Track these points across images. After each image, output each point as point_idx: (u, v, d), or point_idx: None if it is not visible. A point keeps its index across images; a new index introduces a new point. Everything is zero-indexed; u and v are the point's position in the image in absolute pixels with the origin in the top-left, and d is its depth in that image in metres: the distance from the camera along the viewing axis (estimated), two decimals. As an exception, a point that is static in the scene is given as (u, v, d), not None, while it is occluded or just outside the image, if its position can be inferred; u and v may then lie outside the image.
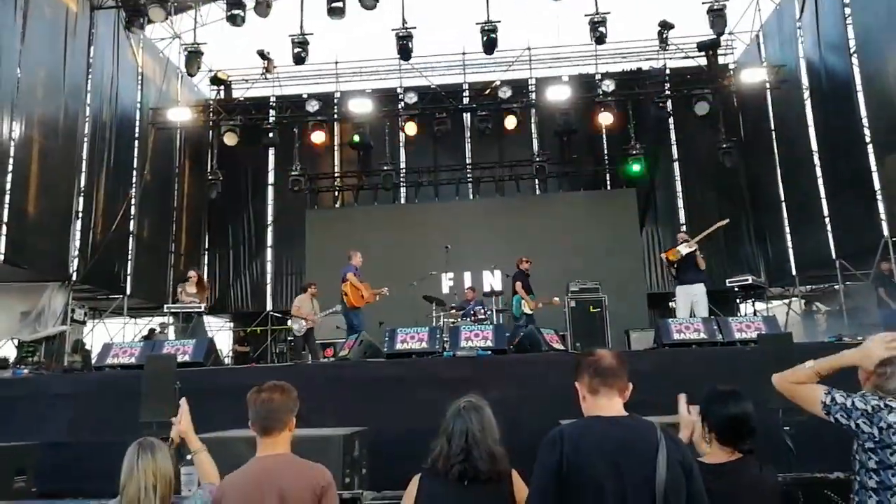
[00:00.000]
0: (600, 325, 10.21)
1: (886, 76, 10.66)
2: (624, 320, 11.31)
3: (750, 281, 9.85)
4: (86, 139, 12.58)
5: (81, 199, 12.35)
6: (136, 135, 14.52)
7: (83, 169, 12.50)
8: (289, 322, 10.65)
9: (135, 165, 14.35)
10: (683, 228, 14.55)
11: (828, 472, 3.32)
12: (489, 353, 7.00)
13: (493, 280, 13.16)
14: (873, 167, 11.19)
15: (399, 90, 15.37)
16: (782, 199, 14.62)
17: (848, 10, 11.79)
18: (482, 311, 10.36)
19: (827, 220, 12.76)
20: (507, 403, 5.68)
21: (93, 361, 8.64)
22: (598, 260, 13.08)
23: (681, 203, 16.21)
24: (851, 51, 11.67)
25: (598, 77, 14.65)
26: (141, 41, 14.61)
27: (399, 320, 8.89)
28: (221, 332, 16.85)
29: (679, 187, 16.33)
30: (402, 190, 16.68)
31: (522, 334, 8.38)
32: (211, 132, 15.92)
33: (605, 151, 16.27)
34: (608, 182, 16.16)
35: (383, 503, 3.07)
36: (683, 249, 8.97)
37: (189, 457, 2.88)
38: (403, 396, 6.19)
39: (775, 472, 2.63)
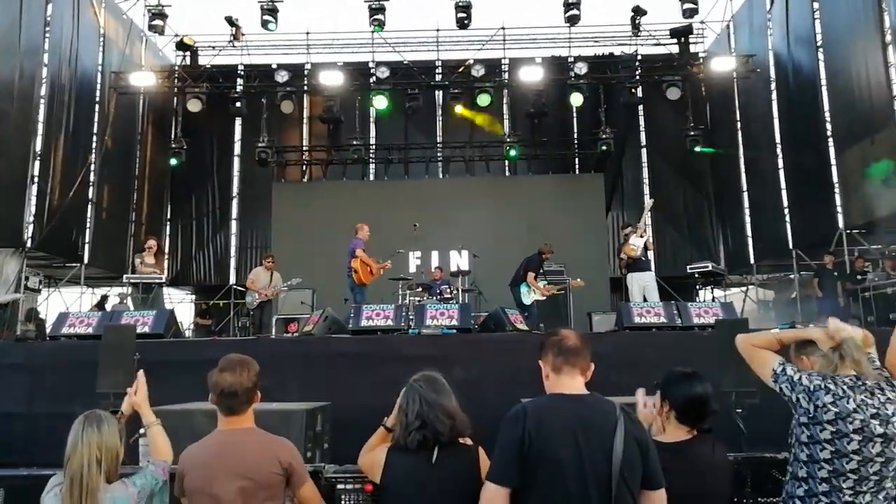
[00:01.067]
0: (564, 308, 10.38)
1: (850, 72, 10.92)
2: (587, 303, 11.49)
3: (710, 268, 10.10)
4: (42, 101, 12.07)
5: (37, 164, 11.88)
6: (97, 99, 14.02)
7: (39, 132, 11.99)
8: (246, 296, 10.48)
9: (95, 131, 13.85)
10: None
11: (776, 453, 3.44)
12: (454, 331, 7.04)
13: (460, 260, 13.20)
14: (833, 161, 11.51)
15: (371, 64, 15.14)
16: (744, 188, 14.95)
17: (816, 5, 12.01)
18: (448, 290, 10.40)
19: (786, 210, 13.11)
20: (471, 381, 5.74)
21: (47, 331, 8.42)
22: (564, 243, 13.14)
23: (647, 189, 16.44)
24: (818, 45, 11.91)
25: (570, 60, 14.66)
26: (103, 1, 14.05)
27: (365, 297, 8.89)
28: (182, 305, 16.55)
29: (646, 173, 16.55)
30: (372, 166, 16.52)
31: (487, 314, 8.47)
32: (175, 99, 15.48)
33: (576, 135, 16.36)
34: (577, 166, 16.28)
35: (345, 476, 3.07)
36: (638, 242, 9.05)
37: (142, 430, 2.81)
38: (368, 372, 6.19)
39: (726, 450, 2.72)
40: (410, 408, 2.40)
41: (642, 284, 8.94)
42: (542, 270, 9.71)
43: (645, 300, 8.56)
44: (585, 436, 2.10)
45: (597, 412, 2.17)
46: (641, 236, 9.06)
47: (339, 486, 3.01)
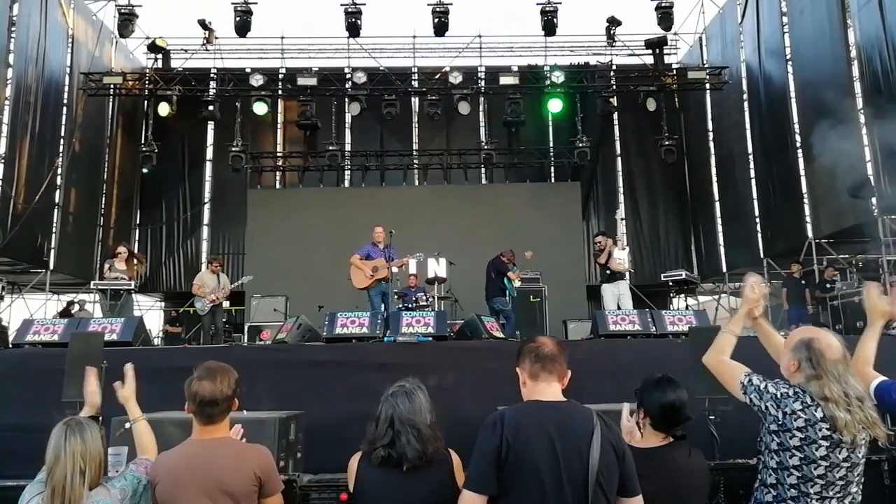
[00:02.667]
0: (540, 315, 10.40)
1: (817, 84, 11.18)
2: (563, 311, 11.53)
3: (683, 276, 10.22)
4: (7, 103, 11.75)
5: (2, 166, 11.57)
6: (65, 101, 13.72)
7: (4, 133, 11.69)
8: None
9: (62, 133, 13.56)
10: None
11: (748, 459, 3.46)
12: (430, 339, 6.99)
13: (437, 267, 13.13)
14: (802, 171, 11.76)
15: (347, 70, 15.07)
16: (717, 197, 15.20)
17: (786, 19, 12.29)
18: (424, 297, 10.34)
19: (757, 220, 13.35)
20: (447, 389, 5.70)
21: (10, 338, 8.15)
22: (540, 251, 13.20)
23: (621, 198, 16.62)
24: (787, 58, 12.18)
25: (546, 69, 14.78)
26: (72, 1, 13.78)
27: (339, 305, 8.77)
28: (151, 312, 16.23)
29: (620, 182, 16.73)
30: (348, 173, 16.43)
31: (464, 322, 8.43)
32: (146, 102, 15.23)
33: (552, 144, 16.49)
34: (553, 174, 16.38)
35: (319, 485, 3.01)
36: (622, 255, 9.27)
37: (127, 425, 2.73)
38: (342, 381, 6.11)
39: (703, 456, 2.73)
40: (381, 424, 2.35)
41: (617, 293, 9.04)
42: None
43: (619, 308, 8.63)
44: (562, 443, 2.09)
45: (574, 419, 2.17)
46: (623, 248, 9.29)
47: (314, 496, 2.96)
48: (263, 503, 2.44)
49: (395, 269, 9.10)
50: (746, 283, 2.76)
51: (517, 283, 9.74)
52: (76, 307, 12.44)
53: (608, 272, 9.26)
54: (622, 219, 9.80)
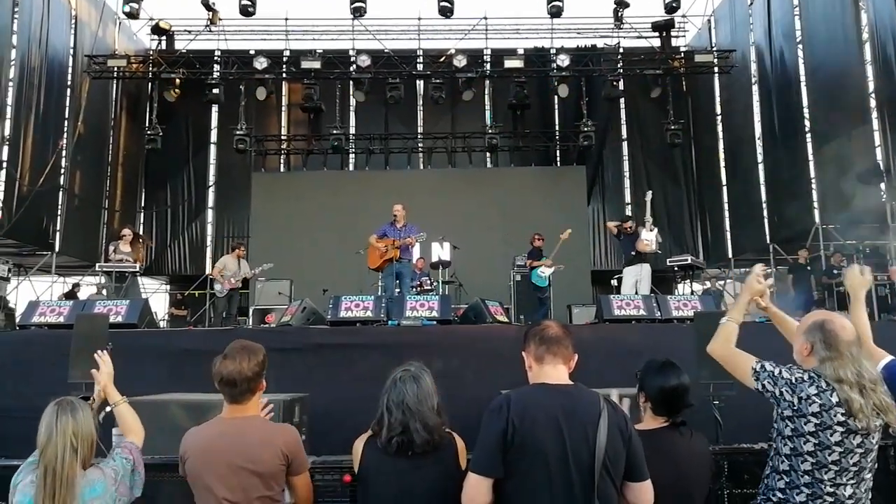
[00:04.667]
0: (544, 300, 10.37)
1: (829, 69, 11.03)
2: (567, 295, 11.52)
3: (689, 261, 10.15)
4: (11, 84, 11.73)
5: (6, 149, 11.57)
6: (69, 83, 13.68)
7: (8, 116, 11.68)
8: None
9: (66, 115, 13.53)
10: (629, 213, 14.83)
11: (752, 444, 3.45)
12: (434, 322, 6.99)
13: (441, 251, 13.13)
14: (810, 157, 11.64)
15: (352, 52, 14.95)
16: (724, 182, 15.08)
17: (796, 1, 12.10)
18: (428, 281, 10.33)
19: (764, 205, 13.25)
20: (451, 373, 5.69)
21: (17, 320, 8.20)
22: (545, 235, 13.19)
23: (627, 183, 16.52)
24: (798, 41, 12.01)
25: (553, 52, 14.63)
26: (75, -19, 13.70)
27: (344, 288, 8.76)
28: (157, 295, 16.29)
29: (626, 166, 16.61)
30: (352, 156, 16.37)
31: (468, 306, 8.42)
32: (150, 84, 15.16)
33: (557, 127, 16.36)
34: (558, 158, 16.28)
35: (323, 467, 3.02)
36: (650, 236, 9.12)
37: (108, 408, 2.73)
38: (346, 364, 6.11)
39: (705, 439, 2.72)
40: (393, 414, 2.33)
41: (638, 276, 8.99)
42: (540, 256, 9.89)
43: (637, 293, 8.61)
44: (569, 426, 2.08)
45: (580, 402, 2.15)
46: (651, 230, 9.15)
47: (318, 477, 2.96)
48: (291, 481, 2.46)
49: (409, 248, 8.79)
50: (752, 272, 2.77)
51: (546, 272, 9.58)
52: (94, 290, 12.50)
53: (634, 253, 9.15)
54: (650, 200, 9.65)
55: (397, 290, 8.34)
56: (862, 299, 2.83)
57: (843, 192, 10.40)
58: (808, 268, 10.89)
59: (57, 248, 12.97)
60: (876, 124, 10.15)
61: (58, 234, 13.09)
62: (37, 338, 6.90)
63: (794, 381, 2.32)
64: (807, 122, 11.78)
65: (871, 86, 10.28)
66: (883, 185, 9.79)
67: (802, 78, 11.93)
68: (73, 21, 13.80)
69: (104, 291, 10.75)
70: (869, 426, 2.22)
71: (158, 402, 4.01)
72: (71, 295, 12.60)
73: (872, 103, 10.22)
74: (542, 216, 13.90)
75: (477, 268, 11.70)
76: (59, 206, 13.21)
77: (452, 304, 8.10)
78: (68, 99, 13.62)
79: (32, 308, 7.33)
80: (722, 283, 15.23)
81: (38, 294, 12.82)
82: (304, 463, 2.50)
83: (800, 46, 12.01)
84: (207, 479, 2.33)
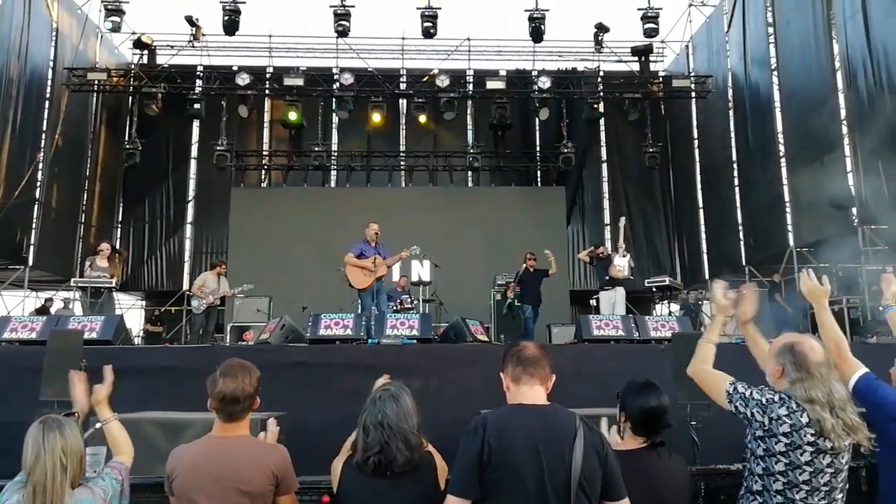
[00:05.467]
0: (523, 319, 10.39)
1: (802, 95, 11.32)
2: (546, 315, 11.55)
3: (667, 282, 10.27)
4: (-11, 95, 11.59)
5: (-19, 160, 11.39)
6: (48, 95, 13.53)
7: (-15, 127, 11.53)
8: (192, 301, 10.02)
9: (44, 128, 13.36)
10: (607, 237, 15.05)
11: (729, 465, 3.48)
12: (414, 341, 6.97)
13: (421, 270, 13.13)
14: (784, 181, 11.89)
15: (335, 70, 15.02)
16: (700, 205, 15.33)
17: (771, 30, 12.43)
18: (408, 299, 10.32)
19: (740, 227, 13.48)
20: (431, 392, 5.68)
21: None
22: (525, 255, 13.27)
23: (606, 204, 16.71)
24: (773, 68, 12.32)
25: (534, 73, 14.84)
26: (57, -6, 13.61)
27: (323, 306, 8.69)
28: (132, 311, 16.03)
29: (605, 187, 16.82)
30: (333, 173, 16.37)
31: (448, 325, 8.41)
32: (131, 98, 15.05)
33: (538, 148, 16.54)
34: (538, 178, 16.44)
35: (302, 487, 2.99)
36: (622, 262, 9.34)
37: (98, 425, 2.68)
38: (325, 382, 6.06)
39: (683, 460, 2.74)
40: (371, 434, 2.32)
41: (613, 300, 9.12)
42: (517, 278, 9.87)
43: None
44: (545, 446, 2.09)
45: (557, 423, 2.16)
46: (624, 255, 9.36)
47: (296, 498, 2.93)
48: (277, 501, 2.44)
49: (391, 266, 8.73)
50: (714, 290, 2.86)
51: (509, 295, 9.64)
52: (61, 304, 12.25)
53: (607, 278, 9.28)
54: (625, 225, 9.92)
55: (374, 309, 8.31)
56: (825, 306, 2.80)
57: (816, 217, 10.62)
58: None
59: (31, 263, 12.73)
60: (847, 150, 10.41)
61: (32, 248, 12.84)
62: (8, 354, 6.74)
63: (764, 402, 2.37)
64: (781, 147, 12.06)
65: (843, 113, 10.57)
66: (854, 210, 10.02)
67: (777, 104, 12.23)
68: (54, 33, 13.70)
69: (71, 306, 10.54)
70: (839, 446, 2.26)
71: (132, 421, 3.92)
72: (43, 310, 12.35)
73: (844, 130, 10.49)
74: (521, 236, 13.97)
75: (457, 286, 11.70)
76: (35, 220, 12.98)
77: (433, 322, 8.08)
78: (47, 111, 13.46)
79: (3, 323, 7.16)
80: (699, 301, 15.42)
81: (10, 309, 12.55)
82: (292, 484, 2.49)
83: (775, 73, 12.33)
84: (195, 498, 2.31)
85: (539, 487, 2.05)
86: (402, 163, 16.21)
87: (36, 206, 13.01)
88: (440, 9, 12.72)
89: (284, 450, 2.52)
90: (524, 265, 9.75)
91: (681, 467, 2.67)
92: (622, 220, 10.14)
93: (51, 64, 13.62)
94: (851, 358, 2.70)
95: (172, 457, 2.42)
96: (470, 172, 15.92)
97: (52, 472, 2.11)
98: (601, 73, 15.42)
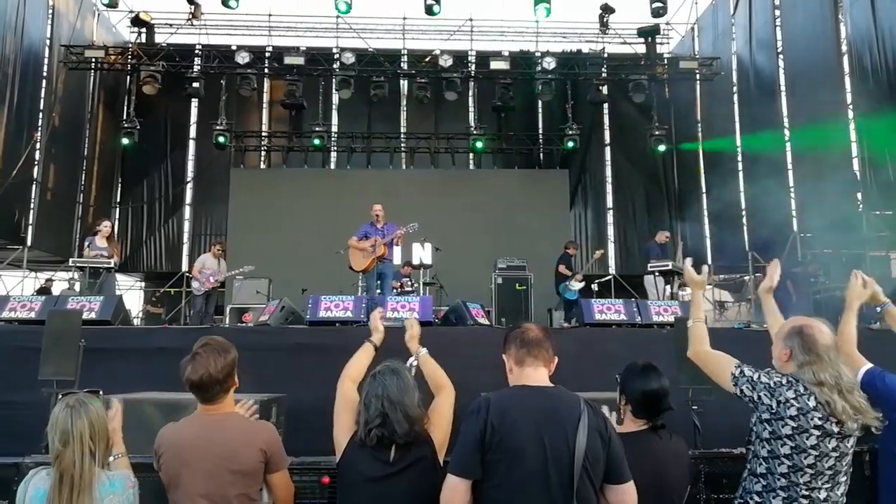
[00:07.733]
0: (525, 303, 10.37)
1: (807, 78, 11.20)
2: (548, 299, 11.54)
3: (670, 267, 10.21)
4: (-16, 73, 11.47)
5: (-22, 140, 11.30)
6: (45, 74, 13.38)
7: (-19, 106, 11.42)
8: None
9: (41, 107, 13.24)
10: (609, 222, 15.31)
11: (731, 449, 3.47)
12: (414, 324, 6.93)
13: (422, 253, 13.07)
14: (789, 165, 11.81)
15: (335, 50, 14.84)
16: (704, 189, 15.24)
17: (778, 13, 12.28)
18: (409, 282, 10.28)
19: (744, 212, 13.41)
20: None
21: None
22: (527, 238, 13.22)
23: (609, 187, 16.62)
24: (779, 51, 12.18)
25: (538, 55, 14.67)
26: (53, -30, 13.42)
27: (323, 288, 8.66)
28: (132, 292, 16.02)
29: (609, 171, 16.71)
30: (333, 155, 16.26)
31: (449, 308, 8.38)
32: (129, 77, 14.90)
33: (541, 130, 16.40)
34: (541, 161, 16.33)
35: (301, 468, 2.99)
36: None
37: (111, 459, 2.61)
38: (324, 364, 5.99)
39: (684, 441, 2.72)
40: (373, 405, 2.32)
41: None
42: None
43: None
44: (548, 428, 2.09)
45: (561, 404, 2.16)
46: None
47: (296, 479, 2.93)
48: (269, 479, 2.43)
49: (396, 244, 8.58)
50: (686, 268, 2.96)
51: (576, 286, 10.11)
52: (66, 286, 12.23)
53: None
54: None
55: (378, 290, 8.27)
56: (855, 309, 2.89)
57: (821, 202, 10.54)
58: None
59: (29, 243, 12.68)
60: (853, 135, 10.32)
61: (30, 227, 12.80)
62: (6, 333, 6.74)
63: (772, 385, 2.35)
64: (786, 132, 11.95)
65: (849, 97, 10.46)
66: (859, 196, 9.95)
67: (782, 87, 12.11)
68: (51, 11, 13.52)
69: (76, 287, 10.48)
70: (849, 428, 2.25)
71: (132, 401, 3.90)
72: (44, 291, 12.33)
73: (850, 114, 10.39)
74: (524, 219, 13.96)
75: (458, 270, 11.66)
76: (32, 200, 12.91)
77: (433, 306, 8.05)
78: (43, 90, 13.32)
79: (2, 303, 7.16)
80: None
81: (9, 289, 12.53)
82: (282, 460, 2.47)
83: (780, 56, 12.19)
84: (184, 476, 2.29)
85: (541, 468, 2.05)
86: (403, 145, 16.09)
87: (33, 186, 12.93)
88: (442, -13, 12.55)
89: (272, 427, 2.50)
90: (570, 252, 10.58)
91: (681, 448, 2.68)
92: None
93: (47, 42, 13.45)
94: (857, 355, 2.76)
95: (160, 435, 2.41)
96: (472, 155, 15.80)
97: (80, 459, 2.09)
98: (606, 55, 15.24)
